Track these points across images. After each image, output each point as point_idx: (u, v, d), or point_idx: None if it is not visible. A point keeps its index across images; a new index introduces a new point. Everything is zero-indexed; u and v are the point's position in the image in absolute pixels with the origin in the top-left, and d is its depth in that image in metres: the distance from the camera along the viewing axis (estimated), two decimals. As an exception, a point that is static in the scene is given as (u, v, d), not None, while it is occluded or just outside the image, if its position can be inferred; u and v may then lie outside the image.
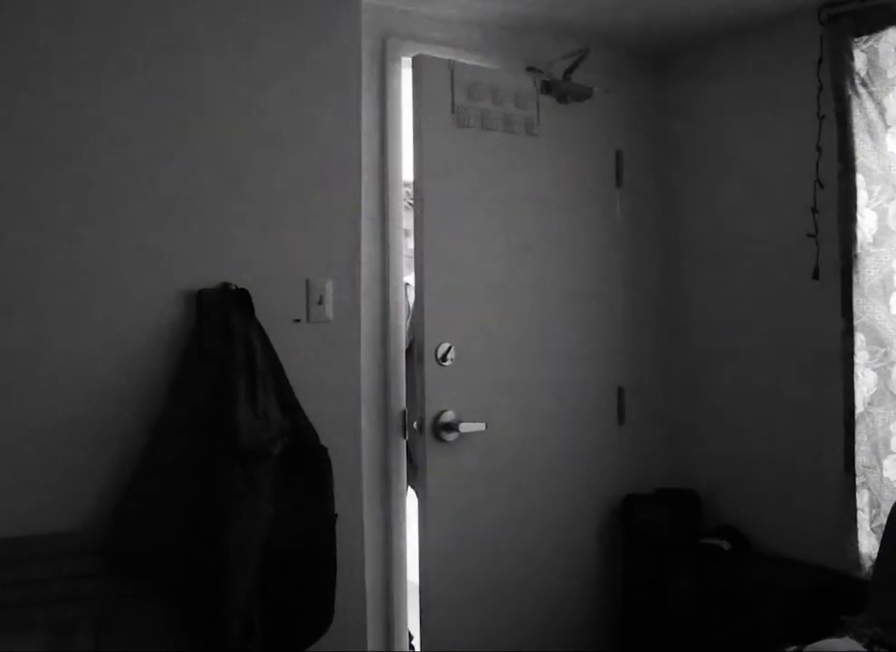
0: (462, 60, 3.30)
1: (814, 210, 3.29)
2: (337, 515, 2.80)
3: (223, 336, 2.65)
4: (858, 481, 3.16)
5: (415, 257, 3.17)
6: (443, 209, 3.21)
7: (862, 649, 2.44)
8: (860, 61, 3.12)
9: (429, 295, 3.13)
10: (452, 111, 3.26)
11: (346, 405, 2.99)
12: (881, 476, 3.12)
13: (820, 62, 3.25)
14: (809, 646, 2.48)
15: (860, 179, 3.12)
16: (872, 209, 3.11)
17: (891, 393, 3.10)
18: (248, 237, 2.81)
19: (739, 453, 3.66)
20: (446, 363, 3.12)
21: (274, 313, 2.80)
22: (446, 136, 3.24)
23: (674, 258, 3.93)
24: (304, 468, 2.75)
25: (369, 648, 3.10)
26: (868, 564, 3.10)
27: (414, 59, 3.17)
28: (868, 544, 3.13)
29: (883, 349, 3.11)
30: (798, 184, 3.35)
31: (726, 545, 3.48)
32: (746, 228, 3.61)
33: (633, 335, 3.85)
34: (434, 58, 3.19)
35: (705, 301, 3.81)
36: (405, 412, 3.23)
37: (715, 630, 3.27)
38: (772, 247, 3.51)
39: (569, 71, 3.48)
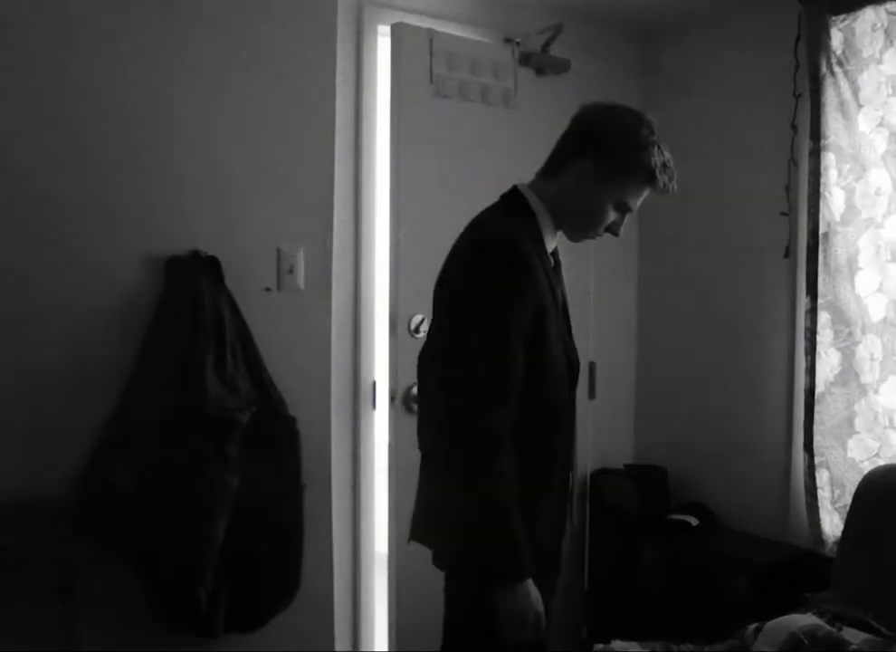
0: (439, 29, 3.26)
1: (787, 189, 3.30)
2: (305, 486, 2.80)
3: (191, 303, 2.63)
4: (817, 460, 3.18)
5: (390, 228, 3.14)
6: (418, 179, 3.19)
7: (824, 625, 2.46)
8: (836, 40, 3.11)
9: (403, 267, 3.11)
10: (431, 81, 3.24)
11: (316, 375, 2.99)
12: (845, 457, 3.14)
13: (798, 40, 3.23)
14: (771, 621, 2.50)
15: (830, 158, 3.13)
16: (841, 188, 3.11)
17: (855, 373, 3.11)
18: (219, 205, 2.79)
19: (707, 430, 3.69)
20: (419, 335, 3.10)
21: (245, 282, 2.79)
22: (424, 106, 3.21)
23: (648, 234, 3.93)
24: (272, 438, 2.74)
25: (336, 619, 3.11)
26: (831, 541, 3.13)
27: (392, 27, 3.12)
28: (830, 522, 3.15)
29: (848, 329, 3.12)
30: (774, 162, 3.36)
31: (693, 521, 3.50)
32: (720, 206, 3.61)
33: (606, 311, 3.85)
34: (413, 26, 3.15)
35: (678, 277, 3.81)
36: (375, 383, 3.21)
37: (682, 605, 3.30)
38: (745, 225, 3.52)
39: (547, 44, 3.46)
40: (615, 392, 3.91)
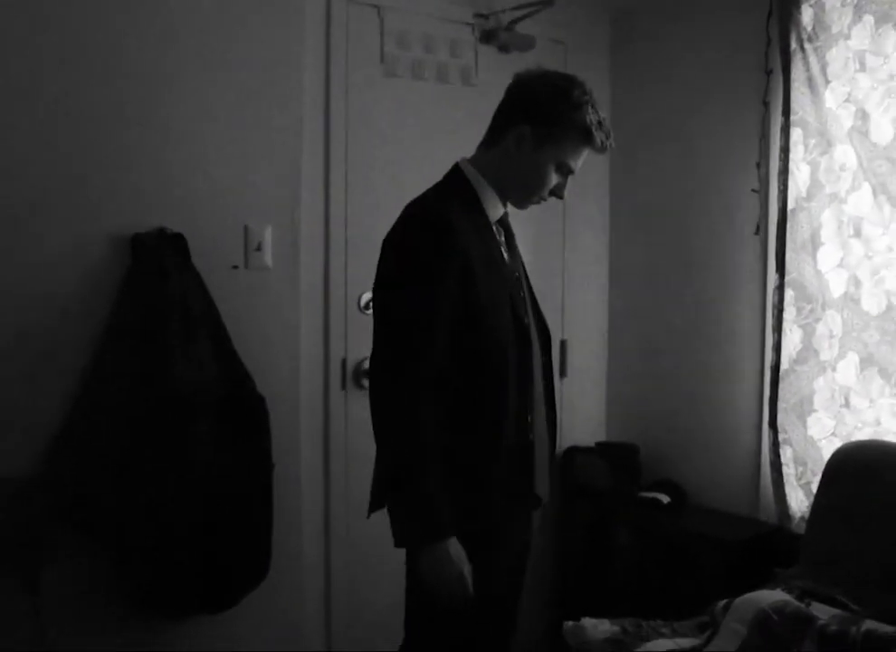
0: (390, 4, 3.21)
1: (758, 165, 3.29)
2: (274, 465, 2.78)
3: (157, 281, 2.60)
4: (781, 437, 3.19)
5: (344, 209, 3.14)
6: (370, 162, 3.18)
7: (793, 601, 2.48)
8: (807, 15, 3.10)
9: (354, 246, 3.11)
10: (382, 60, 3.21)
11: (284, 353, 2.97)
12: (805, 434, 3.15)
13: (769, 16, 3.22)
14: (740, 597, 2.51)
15: (798, 133, 3.12)
16: (807, 163, 3.11)
17: (815, 350, 3.12)
18: (185, 181, 2.75)
19: (677, 408, 3.69)
20: (369, 312, 3.06)
21: (212, 259, 2.76)
22: (374, 86, 3.20)
23: (618, 211, 3.92)
24: (241, 417, 2.72)
25: (307, 598, 3.10)
26: (797, 517, 3.14)
27: (337, 2, 3.08)
28: (796, 499, 3.17)
29: (810, 306, 3.13)
30: (745, 138, 3.35)
31: (664, 498, 3.51)
32: (692, 182, 3.61)
33: (578, 289, 3.85)
34: (361, 2, 3.11)
35: (648, 255, 3.80)
36: (344, 361, 3.19)
37: (653, 581, 3.31)
38: (717, 202, 3.51)
39: (516, 21, 3.42)
40: (587, 370, 3.91)
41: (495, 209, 2.22)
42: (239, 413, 2.71)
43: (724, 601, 2.54)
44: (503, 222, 2.27)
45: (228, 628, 2.82)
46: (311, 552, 3.13)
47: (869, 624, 2.33)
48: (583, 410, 3.89)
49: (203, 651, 2.79)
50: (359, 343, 3.06)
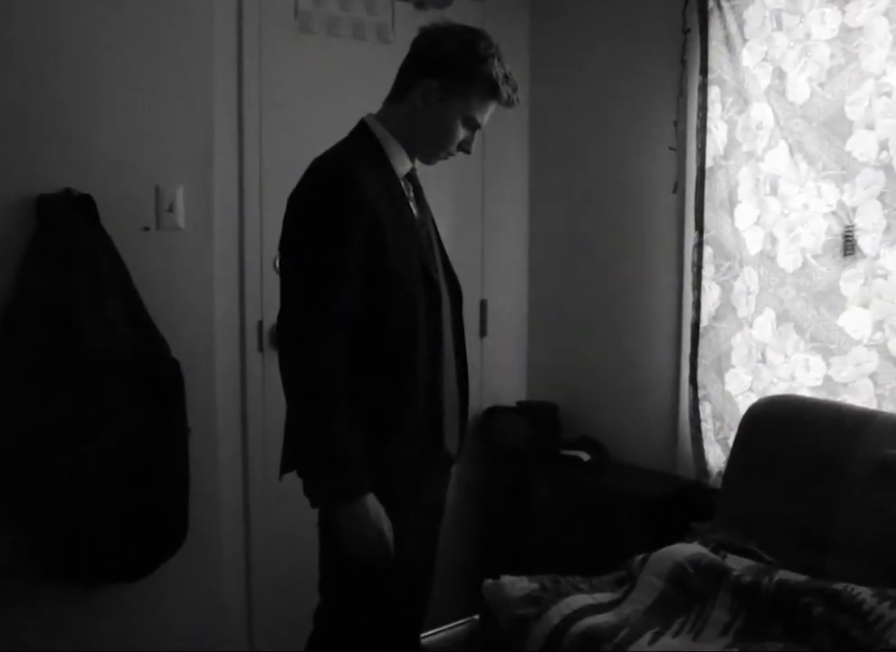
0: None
1: (676, 124, 3.30)
2: (189, 430, 2.74)
3: (64, 243, 2.53)
4: (700, 394, 3.23)
5: (258, 168, 3.10)
6: (285, 121, 3.12)
7: (709, 553, 2.52)
8: (724, -26, 3.11)
9: (268, 206, 3.04)
10: (296, 16, 3.15)
11: (199, 316, 2.91)
12: (723, 390, 3.19)
13: (688, -27, 3.22)
14: (657, 551, 2.55)
15: (715, 91, 3.13)
16: (725, 121, 3.13)
17: (733, 307, 3.15)
18: (91, 141, 2.66)
19: (597, 366, 3.71)
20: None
21: (122, 221, 2.68)
22: (288, 43, 3.14)
23: (537, 171, 3.91)
24: (154, 382, 2.66)
25: (226, 564, 3.07)
26: (715, 473, 3.19)
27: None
28: (714, 454, 3.21)
29: (728, 263, 3.16)
30: (663, 97, 3.35)
31: (585, 456, 3.53)
32: (610, 141, 3.60)
33: (496, 249, 3.84)
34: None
35: (569, 214, 3.80)
36: (261, 323, 3.14)
37: (575, 538, 3.33)
38: (635, 161, 3.52)
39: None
40: (507, 330, 3.91)
41: (402, 164, 2.21)
42: (152, 377, 2.66)
43: (642, 556, 2.58)
44: (411, 177, 2.26)
45: (146, 597, 2.78)
46: (230, 518, 3.10)
47: (782, 574, 2.39)
48: (503, 370, 3.89)
49: (121, 620, 2.76)
50: (276, 305, 3.00)
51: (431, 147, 2.22)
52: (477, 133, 2.25)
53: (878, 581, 2.31)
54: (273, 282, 2.98)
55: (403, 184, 2.21)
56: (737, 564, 2.49)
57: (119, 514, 2.59)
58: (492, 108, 2.20)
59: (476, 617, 3.06)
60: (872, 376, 2.82)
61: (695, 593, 2.39)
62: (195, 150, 2.87)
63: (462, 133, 2.19)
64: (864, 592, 2.23)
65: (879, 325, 2.79)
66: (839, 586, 2.27)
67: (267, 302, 3.12)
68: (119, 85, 2.70)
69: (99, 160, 2.67)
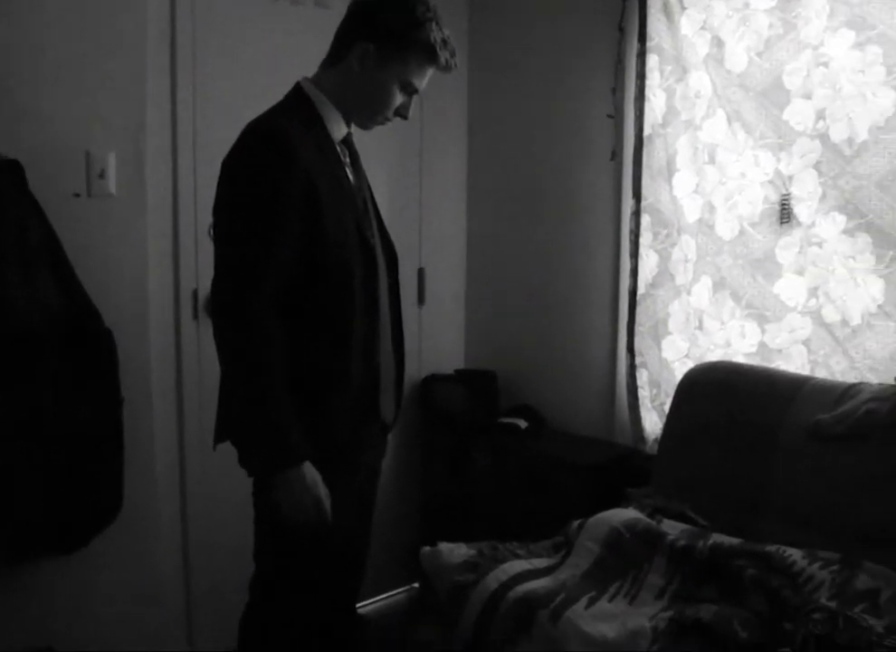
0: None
1: (614, 91, 3.30)
2: (123, 399, 2.70)
3: (-10, 211, 2.46)
4: (637, 360, 3.26)
5: (192, 134, 3.04)
6: (219, 84, 3.06)
7: (644, 518, 2.54)
8: (663, -60, 3.10)
9: (203, 172, 2.98)
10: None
11: (132, 284, 2.86)
12: (660, 357, 3.22)
13: (625, -59, 3.21)
14: (594, 517, 2.57)
15: (654, 59, 3.14)
16: (663, 90, 3.13)
17: (671, 274, 3.17)
18: (17, 104, 2.58)
19: (534, 334, 3.72)
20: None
21: (51, 187, 2.61)
22: (224, 4, 3.07)
23: (475, 138, 3.90)
24: (86, 352, 2.61)
25: (163, 534, 3.04)
26: (651, 439, 3.23)
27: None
28: (650, 421, 3.25)
29: (666, 231, 3.18)
30: (601, 64, 3.34)
31: (523, 424, 3.55)
32: (548, 108, 3.59)
33: (435, 218, 3.82)
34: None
35: (505, 181, 3.80)
36: (195, 291, 3.10)
37: (514, 505, 3.36)
38: (573, 128, 3.51)
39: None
40: (445, 299, 3.90)
41: (338, 129, 2.18)
42: (84, 347, 2.61)
43: (579, 521, 2.59)
44: (347, 142, 2.23)
45: (80, 569, 2.75)
46: (166, 488, 3.06)
47: (715, 537, 2.42)
48: (441, 338, 3.89)
49: (57, 593, 2.72)
50: (211, 272, 2.96)
51: (367, 111, 2.19)
52: (414, 99, 2.23)
53: (811, 544, 2.35)
54: (208, 250, 2.95)
55: (339, 149, 2.19)
56: (672, 529, 2.51)
57: (51, 485, 2.54)
58: (430, 72, 2.17)
59: (416, 585, 3.07)
60: (806, 342, 2.87)
61: (631, 557, 2.41)
62: (127, 115, 2.80)
63: (399, 98, 2.16)
64: (795, 554, 2.28)
65: (813, 292, 2.83)
66: (771, 548, 2.30)
67: (202, 270, 3.06)
68: (47, 47, 2.62)
69: (26, 125, 2.59)
